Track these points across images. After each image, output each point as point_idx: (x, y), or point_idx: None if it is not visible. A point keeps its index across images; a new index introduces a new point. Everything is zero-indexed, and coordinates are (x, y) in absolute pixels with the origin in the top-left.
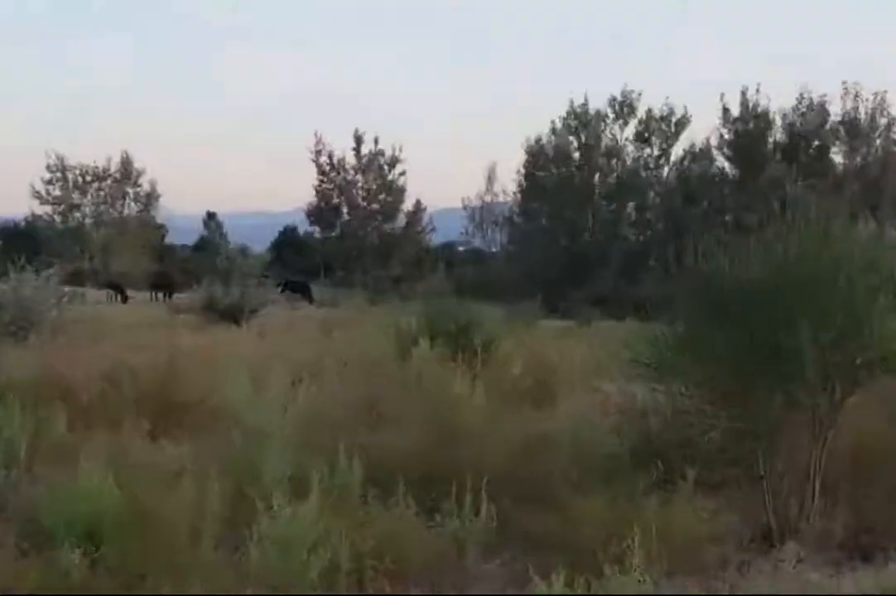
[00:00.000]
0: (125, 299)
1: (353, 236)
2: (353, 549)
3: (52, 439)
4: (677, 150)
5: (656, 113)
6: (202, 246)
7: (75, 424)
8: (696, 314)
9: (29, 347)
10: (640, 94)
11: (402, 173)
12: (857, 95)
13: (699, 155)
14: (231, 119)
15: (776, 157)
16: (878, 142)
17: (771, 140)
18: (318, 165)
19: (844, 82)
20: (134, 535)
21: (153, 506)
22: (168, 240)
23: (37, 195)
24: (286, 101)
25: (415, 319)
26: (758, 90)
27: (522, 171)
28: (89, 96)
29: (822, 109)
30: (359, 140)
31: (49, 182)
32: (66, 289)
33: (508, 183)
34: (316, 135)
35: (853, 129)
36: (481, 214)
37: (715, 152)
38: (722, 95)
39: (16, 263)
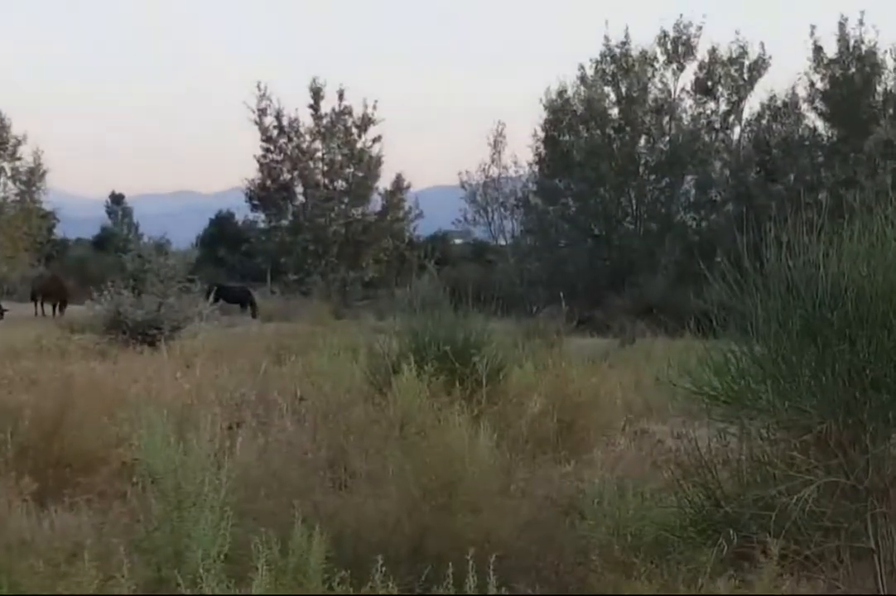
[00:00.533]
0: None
1: (310, 225)
2: None
3: None
4: (752, 105)
5: (723, 54)
6: (104, 240)
7: None
8: (781, 329)
9: None
10: (700, 29)
11: (377, 139)
12: None
13: (782, 111)
14: (142, 69)
15: (887, 113)
16: None
17: (880, 89)
18: (263, 129)
19: None
20: None
21: None
22: (58, 232)
23: None
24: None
25: (396, 338)
26: (861, 21)
27: (541, 134)
28: None
29: None
30: (317, 94)
31: None
32: None
33: (522, 151)
34: (259, 86)
35: None
36: (485, 194)
37: (804, 107)
38: (813, 29)
39: None
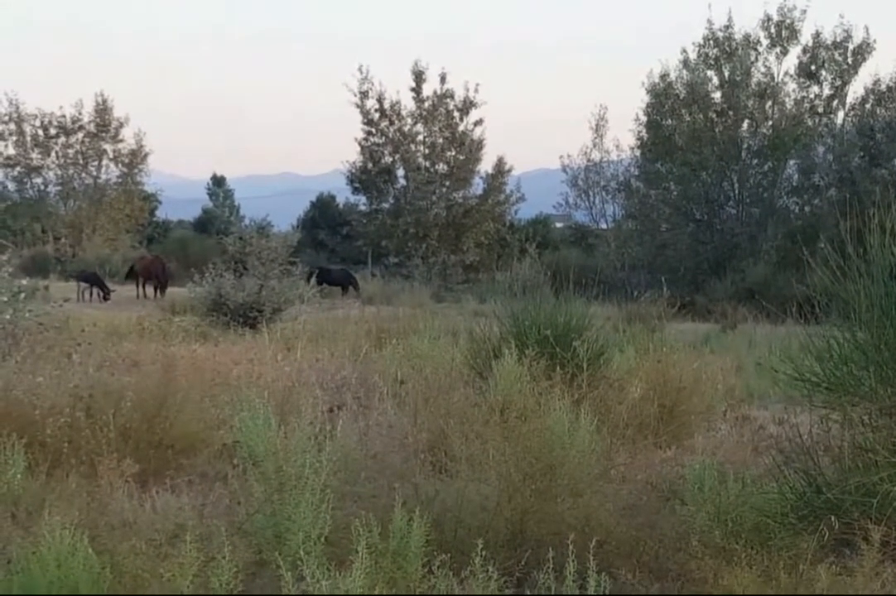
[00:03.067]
0: (106, 296)
1: (411, 209)
2: None
3: (4, 487)
4: (856, 89)
5: (827, 37)
6: (206, 222)
7: (36, 466)
8: (885, 316)
9: None
10: (804, 12)
11: (479, 122)
12: None
13: (886, 95)
14: (244, 53)
15: None
16: None
17: None
18: (364, 112)
19: None
20: None
21: (143, 578)
22: (160, 214)
23: None
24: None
25: (496, 322)
26: None
27: (643, 118)
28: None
29: None
30: (419, 77)
31: None
32: (23, 282)
33: (624, 135)
34: (361, 69)
35: None
36: (586, 178)
37: None
38: None
39: None
